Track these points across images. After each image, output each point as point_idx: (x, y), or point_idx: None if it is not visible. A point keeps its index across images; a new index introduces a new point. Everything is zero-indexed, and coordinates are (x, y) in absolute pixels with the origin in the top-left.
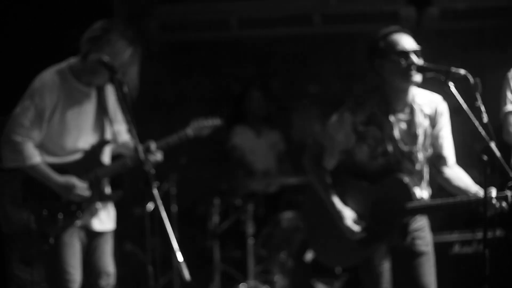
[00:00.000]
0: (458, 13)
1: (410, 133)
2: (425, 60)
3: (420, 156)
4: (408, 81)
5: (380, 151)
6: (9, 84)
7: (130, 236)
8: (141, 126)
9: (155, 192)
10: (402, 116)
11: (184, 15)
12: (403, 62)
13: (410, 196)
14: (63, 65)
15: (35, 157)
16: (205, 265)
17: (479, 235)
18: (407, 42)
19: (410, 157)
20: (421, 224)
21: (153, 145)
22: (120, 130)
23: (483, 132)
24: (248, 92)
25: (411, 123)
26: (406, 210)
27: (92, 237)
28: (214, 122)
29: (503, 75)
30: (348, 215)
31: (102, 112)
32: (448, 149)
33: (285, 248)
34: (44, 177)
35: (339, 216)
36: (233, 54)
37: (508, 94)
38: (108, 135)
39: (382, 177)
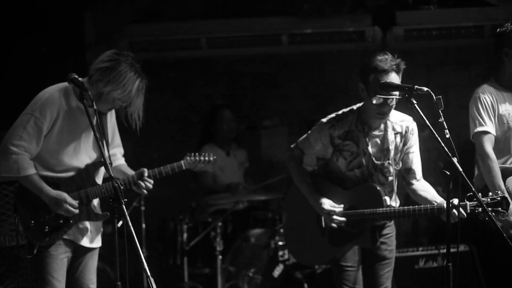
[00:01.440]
0: (422, 33)
1: (383, 148)
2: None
3: (391, 169)
4: (377, 119)
5: (355, 163)
6: None
7: (99, 254)
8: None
9: (124, 208)
10: (376, 133)
11: (154, 35)
12: (377, 106)
13: (381, 202)
14: (67, 84)
15: (30, 168)
16: (174, 282)
17: (443, 250)
18: (390, 88)
19: (382, 170)
20: (390, 233)
21: (146, 173)
22: (116, 153)
23: (445, 148)
24: (218, 112)
25: (384, 139)
26: (377, 214)
27: (79, 253)
28: (208, 158)
29: (466, 93)
30: (327, 201)
31: (100, 134)
32: (417, 165)
33: (254, 265)
34: (36, 188)
35: (318, 202)
36: (203, 73)
37: (478, 114)
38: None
39: (356, 185)
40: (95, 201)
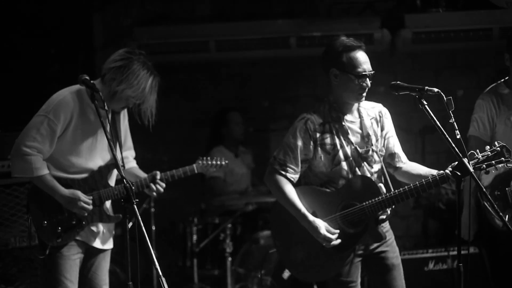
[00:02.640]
0: (430, 36)
1: (363, 136)
2: (399, 79)
3: (376, 156)
4: (357, 99)
5: (340, 156)
6: None
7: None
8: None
9: (135, 208)
10: (352, 119)
11: (163, 37)
12: (360, 84)
13: (378, 190)
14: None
15: (43, 169)
16: (183, 284)
17: (453, 252)
18: (366, 63)
19: (367, 159)
20: (390, 238)
21: (158, 175)
22: (128, 156)
23: (456, 149)
24: (228, 115)
25: (361, 126)
26: (378, 203)
27: (91, 254)
28: (220, 162)
29: (474, 96)
30: (322, 224)
31: (114, 138)
32: (399, 148)
33: (263, 266)
34: (50, 188)
35: (312, 227)
36: (212, 76)
37: (474, 118)
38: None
39: (346, 181)
40: (108, 203)
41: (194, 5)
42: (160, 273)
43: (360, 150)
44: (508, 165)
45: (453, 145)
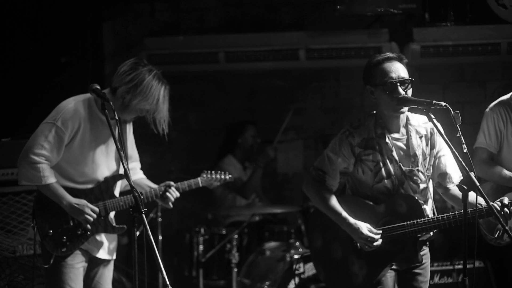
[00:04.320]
0: (438, 50)
1: (409, 154)
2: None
3: (422, 176)
4: (396, 111)
5: (383, 173)
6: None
7: (115, 265)
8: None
9: (144, 217)
10: (398, 136)
11: (173, 48)
12: (387, 92)
13: (422, 212)
14: (89, 95)
15: (51, 177)
16: None
17: (458, 266)
18: (395, 72)
19: (412, 178)
20: (425, 262)
21: (173, 183)
22: (135, 167)
23: (463, 162)
24: (244, 127)
25: (408, 144)
26: (419, 225)
27: (94, 263)
28: (224, 176)
29: (482, 110)
30: (363, 225)
31: (121, 147)
32: (451, 167)
33: (269, 278)
34: (57, 196)
35: (354, 228)
36: (221, 86)
37: (482, 129)
38: (121, 170)
39: (387, 198)
40: (112, 214)
41: (203, 16)
42: (167, 282)
43: (404, 169)
44: None
45: (460, 159)
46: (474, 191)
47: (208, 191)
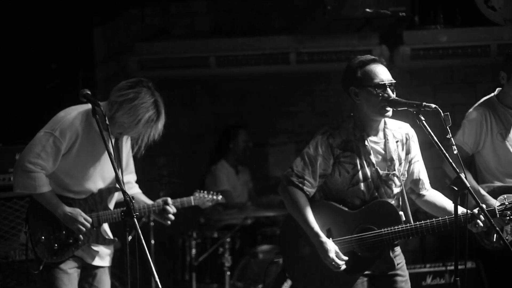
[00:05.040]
0: (428, 53)
1: (386, 158)
2: (397, 96)
3: (397, 181)
4: (382, 114)
5: (361, 176)
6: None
7: None
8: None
9: (136, 222)
10: (375, 140)
11: (164, 53)
12: (379, 95)
13: (399, 218)
14: (89, 106)
15: (45, 186)
16: None
17: (451, 267)
18: (384, 74)
19: (387, 182)
20: (401, 262)
21: (169, 200)
22: (130, 181)
23: (453, 164)
24: (235, 132)
25: (385, 148)
26: (397, 232)
27: (90, 269)
28: (216, 198)
29: None
30: (332, 247)
31: (117, 161)
32: (424, 174)
33: (262, 281)
34: (51, 205)
35: (323, 248)
36: (212, 91)
37: (462, 128)
38: (116, 183)
39: (363, 202)
40: (105, 226)
41: (194, 21)
42: (160, 286)
43: (380, 172)
44: None
45: (450, 161)
46: (465, 193)
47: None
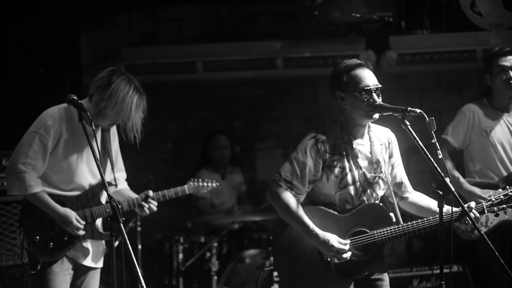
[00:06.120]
0: (415, 57)
1: (372, 161)
2: (384, 100)
3: (382, 183)
4: (368, 117)
5: (349, 180)
6: None
7: None
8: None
9: (122, 227)
10: (362, 143)
11: (151, 58)
12: (365, 100)
13: (390, 220)
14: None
15: (37, 186)
16: None
17: (437, 270)
18: (370, 79)
19: (373, 185)
20: None
21: (151, 193)
22: (119, 178)
23: (438, 168)
24: (212, 138)
25: (371, 151)
26: (389, 233)
27: (81, 271)
28: (211, 184)
29: None
30: (332, 237)
31: (104, 154)
32: (405, 177)
33: (249, 285)
34: (44, 205)
35: (323, 241)
36: (199, 96)
37: (452, 123)
38: (108, 178)
39: (351, 206)
40: (99, 221)
41: (181, 26)
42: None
43: (368, 175)
44: None
45: (435, 165)
46: (450, 197)
47: (187, 199)
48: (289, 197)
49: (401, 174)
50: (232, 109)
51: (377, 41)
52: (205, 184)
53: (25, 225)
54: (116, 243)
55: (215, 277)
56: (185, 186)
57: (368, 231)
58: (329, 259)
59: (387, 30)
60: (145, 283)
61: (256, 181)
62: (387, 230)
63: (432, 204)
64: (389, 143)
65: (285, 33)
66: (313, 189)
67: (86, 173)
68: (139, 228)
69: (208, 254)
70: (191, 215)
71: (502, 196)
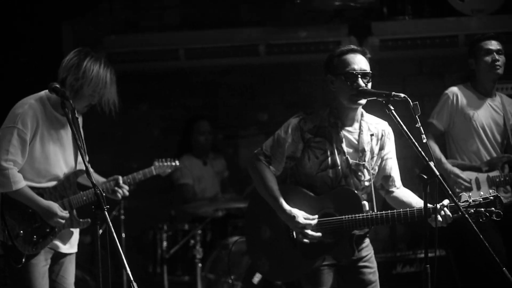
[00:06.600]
0: (397, 43)
1: (358, 149)
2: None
3: (366, 173)
4: (353, 102)
5: (329, 163)
6: None
7: (78, 264)
8: (91, 156)
9: (106, 214)
10: (350, 129)
11: (133, 46)
12: (349, 83)
13: (361, 207)
14: (41, 93)
15: (21, 182)
16: None
17: (421, 255)
18: (358, 64)
19: (357, 173)
20: (369, 253)
21: (121, 179)
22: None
23: (422, 153)
24: (195, 124)
25: (359, 139)
26: (356, 220)
27: (58, 258)
28: (174, 163)
29: None
30: (299, 213)
31: (83, 143)
32: (396, 171)
33: (233, 272)
34: (28, 200)
35: (289, 216)
36: (181, 83)
37: (437, 107)
38: (81, 165)
39: (331, 189)
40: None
41: (163, 14)
42: (131, 278)
43: (350, 161)
44: (496, 218)
45: (420, 149)
46: (434, 181)
47: (171, 187)
48: (266, 171)
49: (391, 168)
50: (215, 96)
51: (360, 27)
52: (168, 163)
53: (7, 220)
54: (101, 231)
55: (200, 265)
56: (152, 167)
57: (337, 215)
58: (295, 237)
59: (369, 16)
60: (130, 271)
61: (239, 168)
62: (354, 217)
63: (414, 201)
64: (382, 135)
65: (268, 20)
66: (297, 168)
67: (61, 163)
68: (122, 217)
69: (192, 241)
70: (174, 203)
71: (481, 200)
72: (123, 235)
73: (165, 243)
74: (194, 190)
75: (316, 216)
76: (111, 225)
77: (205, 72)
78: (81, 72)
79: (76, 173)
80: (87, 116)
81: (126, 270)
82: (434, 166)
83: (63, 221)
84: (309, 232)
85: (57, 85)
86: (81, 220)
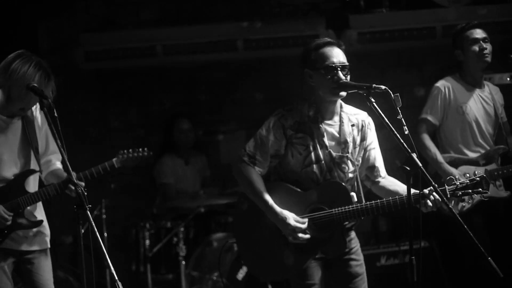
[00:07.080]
0: (375, 36)
1: (340, 141)
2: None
3: (350, 165)
4: (334, 95)
5: (313, 158)
6: None
7: (60, 265)
8: (69, 156)
9: (88, 214)
10: (330, 123)
11: (109, 43)
12: (329, 77)
13: (349, 199)
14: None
15: None
16: None
17: (404, 247)
18: (336, 57)
19: (340, 165)
20: (355, 246)
21: (74, 175)
22: (51, 160)
23: (404, 144)
24: (175, 122)
25: (340, 131)
26: (347, 212)
27: (28, 256)
28: (142, 154)
29: (418, 93)
30: (289, 215)
31: (27, 143)
32: (380, 161)
33: (217, 269)
34: None
35: (279, 218)
36: (160, 80)
37: (428, 102)
38: (33, 165)
39: (317, 185)
40: (29, 208)
41: (138, 10)
42: (116, 278)
43: (334, 155)
44: (484, 196)
45: (402, 141)
46: (417, 173)
47: (153, 185)
48: (252, 173)
49: (375, 158)
50: (194, 92)
51: (337, 20)
52: (135, 154)
53: None
54: (83, 231)
55: (183, 262)
56: (113, 160)
57: (327, 208)
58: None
59: (346, 9)
60: (114, 269)
61: (220, 164)
62: (344, 209)
63: (401, 188)
64: (362, 126)
65: (245, 15)
66: (281, 166)
67: (11, 164)
68: (104, 216)
69: (175, 239)
70: (156, 201)
71: (468, 181)
72: (105, 234)
73: (147, 242)
74: (175, 189)
75: (306, 220)
76: (93, 224)
77: (183, 68)
78: (8, 73)
79: (25, 173)
80: (64, 115)
81: (110, 269)
82: (417, 157)
83: (7, 223)
84: (299, 234)
85: (35, 85)
86: (32, 220)
